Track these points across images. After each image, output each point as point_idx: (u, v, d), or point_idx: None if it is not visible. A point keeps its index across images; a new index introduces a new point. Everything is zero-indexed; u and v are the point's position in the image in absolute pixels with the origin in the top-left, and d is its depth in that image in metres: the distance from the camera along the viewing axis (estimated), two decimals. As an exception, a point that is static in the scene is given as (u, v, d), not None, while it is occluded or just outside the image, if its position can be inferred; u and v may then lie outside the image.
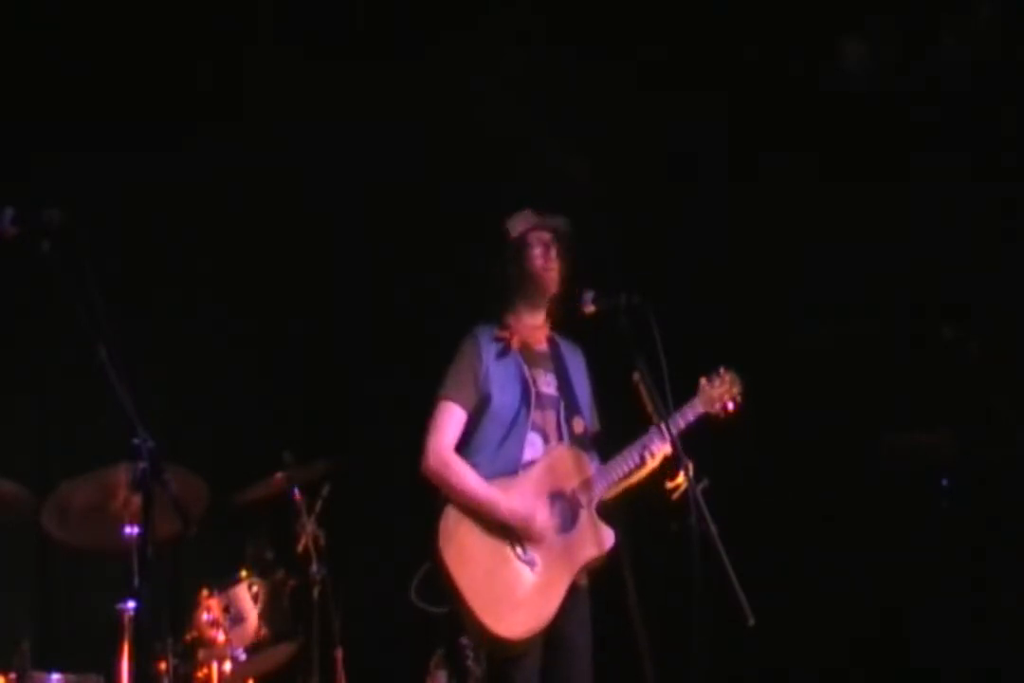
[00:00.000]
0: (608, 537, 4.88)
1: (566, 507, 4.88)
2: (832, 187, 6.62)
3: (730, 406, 5.07)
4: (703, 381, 5.07)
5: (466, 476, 4.81)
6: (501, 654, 4.72)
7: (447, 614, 4.75)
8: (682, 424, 4.88)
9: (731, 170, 6.73)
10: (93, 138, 6.14)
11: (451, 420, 4.89)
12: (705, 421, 5.01)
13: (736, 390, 5.10)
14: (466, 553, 4.73)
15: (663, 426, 4.83)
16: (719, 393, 5.06)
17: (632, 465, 4.91)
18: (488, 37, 6.80)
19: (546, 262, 5.02)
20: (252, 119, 6.52)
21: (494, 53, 6.83)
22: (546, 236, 5.06)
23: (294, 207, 6.64)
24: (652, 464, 4.92)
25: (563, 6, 6.76)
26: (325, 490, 5.94)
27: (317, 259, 6.72)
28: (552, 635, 4.76)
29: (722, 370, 5.11)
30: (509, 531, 4.79)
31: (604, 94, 6.78)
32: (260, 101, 6.53)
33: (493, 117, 6.77)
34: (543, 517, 4.80)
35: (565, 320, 5.11)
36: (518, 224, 5.08)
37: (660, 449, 4.89)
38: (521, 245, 5.04)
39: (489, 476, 4.84)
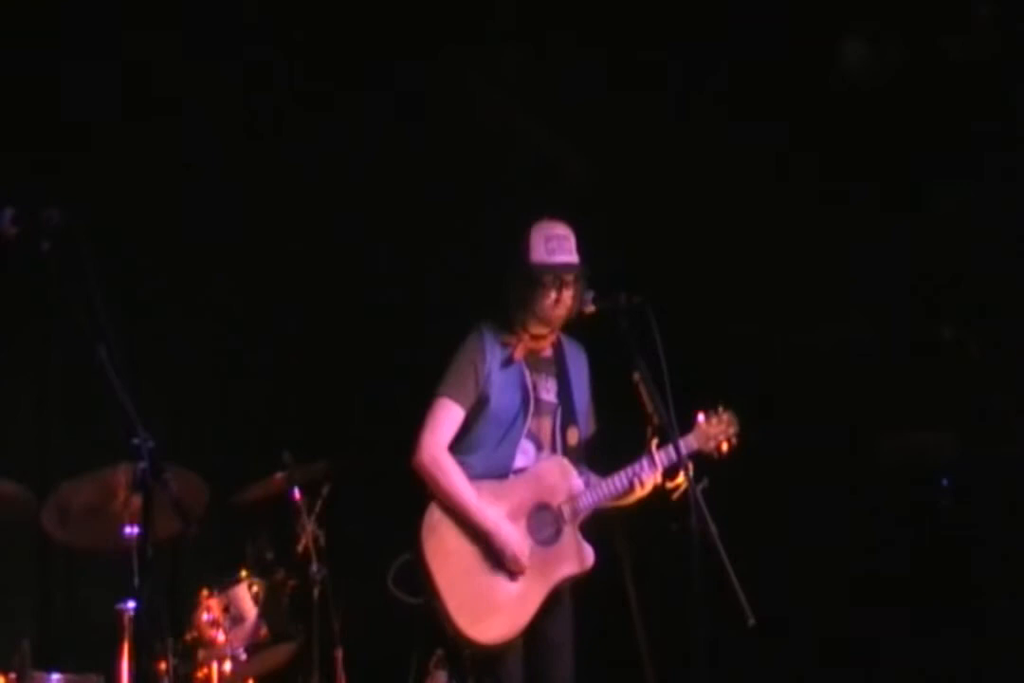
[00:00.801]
0: (589, 556, 4.88)
1: (550, 521, 4.88)
2: (832, 187, 6.62)
3: (724, 447, 5.02)
4: (701, 418, 5.01)
5: (456, 480, 4.82)
6: (478, 652, 4.74)
7: (423, 606, 4.75)
8: (674, 457, 4.79)
9: (732, 170, 6.73)
10: (93, 138, 6.15)
11: (447, 418, 4.89)
12: (696, 458, 4.92)
13: (732, 431, 5.04)
14: (446, 549, 4.75)
15: (656, 454, 4.83)
16: (715, 432, 5.01)
17: (620, 489, 4.91)
18: (488, 38, 6.81)
19: (556, 303, 4.92)
20: (251, 118, 6.51)
21: (494, 53, 6.83)
22: (564, 277, 4.91)
23: (294, 207, 6.64)
24: (641, 493, 4.91)
25: (564, 7, 6.76)
26: (325, 490, 5.93)
27: (317, 259, 6.71)
28: (534, 633, 4.79)
29: (721, 409, 5.05)
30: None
31: (604, 93, 6.78)
32: (258, 100, 6.53)
33: (493, 116, 6.77)
34: (522, 546, 4.79)
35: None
36: (540, 248, 4.92)
37: (650, 478, 4.88)
38: (536, 279, 4.90)
39: (479, 476, 4.86)
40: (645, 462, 4.88)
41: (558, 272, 4.91)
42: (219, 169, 6.47)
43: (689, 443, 4.93)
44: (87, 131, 6.13)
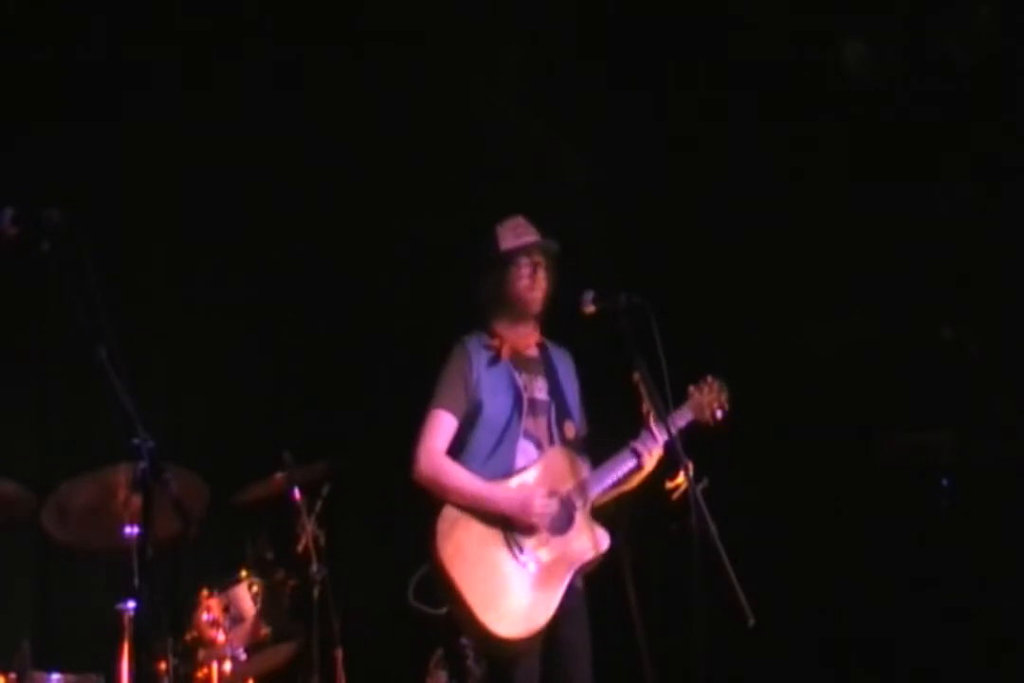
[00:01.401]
0: (604, 539, 4.87)
1: (562, 508, 4.86)
2: (833, 187, 6.63)
3: (719, 414, 5.07)
4: (692, 389, 5.06)
5: (459, 475, 4.80)
6: (499, 653, 4.72)
7: (446, 615, 4.75)
8: (672, 430, 4.83)
9: (731, 169, 6.73)
10: (93, 136, 6.15)
11: (441, 427, 4.88)
12: (695, 428, 5.00)
13: (724, 397, 5.09)
14: (463, 552, 4.73)
15: (656, 428, 4.85)
16: (708, 400, 5.06)
17: (628, 469, 4.90)
18: (488, 37, 6.81)
19: (532, 283, 4.97)
20: (250, 118, 6.51)
21: (494, 53, 6.83)
22: (536, 257, 4.99)
23: (294, 207, 6.64)
24: (649, 467, 4.91)
25: (564, 6, 6.76)
26: (325, 490, 5.93)
27: (317, 259, 6.72)
28: (551, 636, 4.75)
29: (709, 378, 5.10)
30: (506, 530, 4.78)
31: (604, 93, 6.78)
32: (257, 100, 6.53)
33: (493, 117, 6.77)
34: (541, 501, 4.80)
35: (565, 320, 5.10)
36: (508, 236, 5.02)
37: (656, 451, 4.89)
38: (508, 263, 4.98)
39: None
40: (646, 436, 4.88)
41: (529, 250, 4.98)
42: (220, 168, 6.47)
43: (685, 414, 4.99)
44: (87, 130, 6.13)
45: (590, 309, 4.90)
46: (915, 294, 6.52)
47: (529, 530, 4.78)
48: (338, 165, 6.62)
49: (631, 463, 4.90)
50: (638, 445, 4.90)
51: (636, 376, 4.76)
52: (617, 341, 4.75)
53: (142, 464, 3.72)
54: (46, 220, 3.71)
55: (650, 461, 4.91)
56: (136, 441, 3.70)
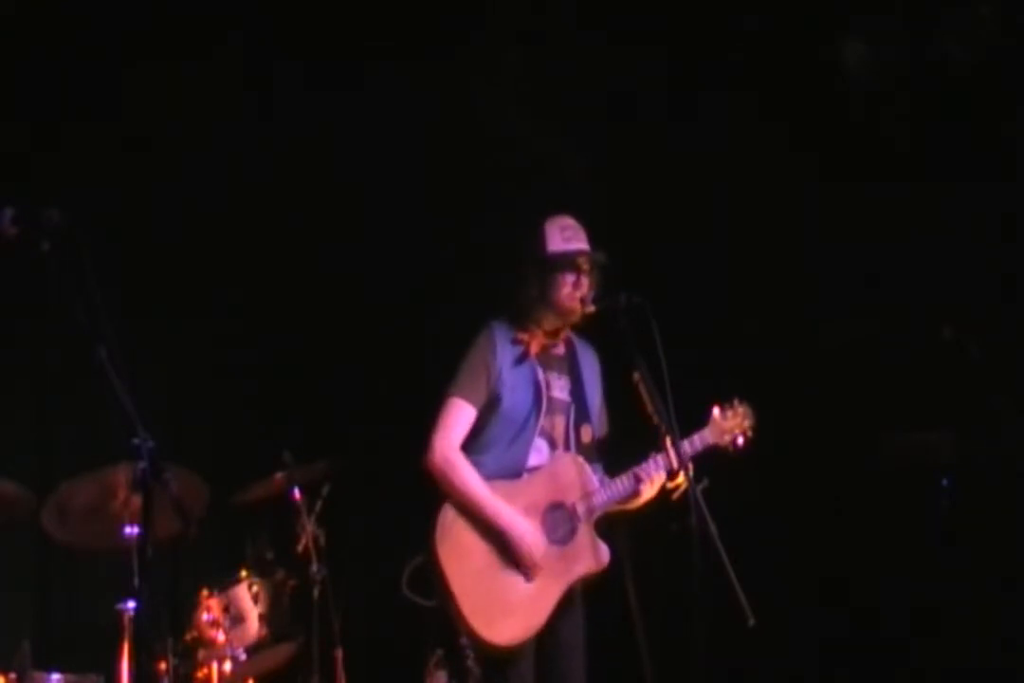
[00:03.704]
0: (604, 554, 4.83)
1: (565, 519, 4.84)
2: (833, 187, 6.63)
3: (740, 441, 4.98)
4: (716, 411, 4.98)
5: (469, 478, 4.78)
6: (491, 653, 4.71)
7: (437, 609, 4.74)
8: (688, 451, 4.79)
9: (731, 169, 6.73)
10: (93, 137, 6.15)
11: (459, 418, 4.84)
12: (712, 453, 4.93)
13: (748, 424, 5.00)
14: (461, 551, 4.72)
15: (662, 455, 4.80)
16: (730, 426, 4.97)
17: (625, 493, 4.86)
18: (488, 37, 6.81)
19: (574, 292, 4.88)
20: (253, 120, 6.52)
21: (494, 53, 6.83)
22: (583, 266, 4.90)
23: (294, 209, 6.64)
24: (647, 495, 4.87)
25: (564, 5, 6.77)
26: (325, 490, 5.94)
27: (317, 260, 6.72)
28: (546, 635, 4.75)
29: (736, 401, 5.01)
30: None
31: (604, 93, 6.78)
32: (258, 102, 6.53)
33: (493, 117, 6.77)
34: (537, 542, 4.76)
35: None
36: (556, 238, 4.92)
37: (657, 480, 4.84)
38: (553, 268, 4.89)
39: (492, 475, 4.81)
40: (660, 459, 4.82)
41: (577, 258, 4.89)
42: (220, 169, 6.47)
43: (704, 438, 4.92)
44: (88, 130, 6.13)
45: (590, 309, 4.88)
46: (915, 294, 6.52)
47: (519, 558, 4.75)
48: (336, 167, 6.62)
49: (630, 488, 4.86)
50: (640, 472, 4.85)
51: (636, 376, 4.74)
52: (618, 341, 4.74)
53: (142, 464, 3.72)
54: (46, 220, 3.71)
55: (649, 490, 4.86)
56: (136, 441, 3.70)
